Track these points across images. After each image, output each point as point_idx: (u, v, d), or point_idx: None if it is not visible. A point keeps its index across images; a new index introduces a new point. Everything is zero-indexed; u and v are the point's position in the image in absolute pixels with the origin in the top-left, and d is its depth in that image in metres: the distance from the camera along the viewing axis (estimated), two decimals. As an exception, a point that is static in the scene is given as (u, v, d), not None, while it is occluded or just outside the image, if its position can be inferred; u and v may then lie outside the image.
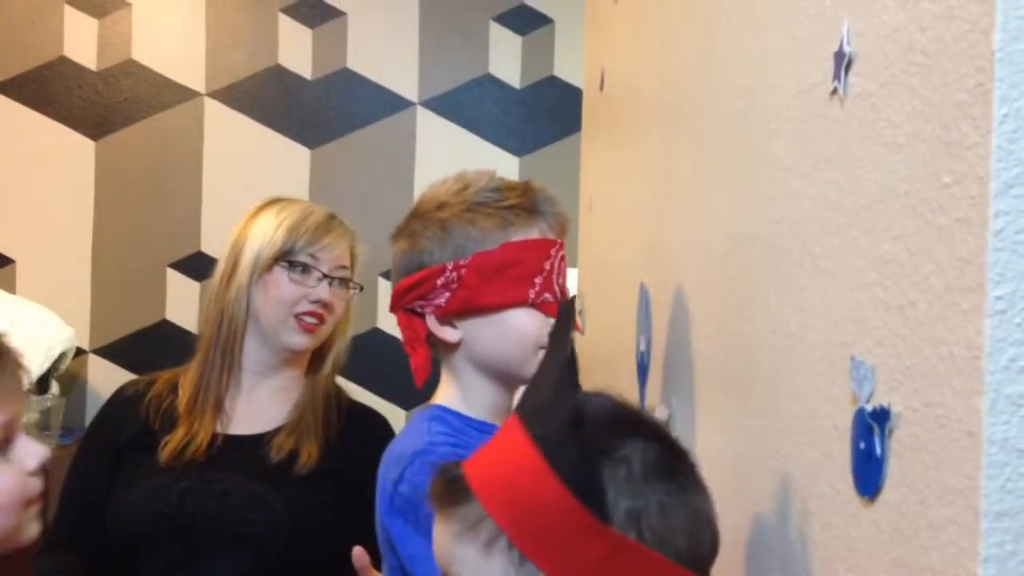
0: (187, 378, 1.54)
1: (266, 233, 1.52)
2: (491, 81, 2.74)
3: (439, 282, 1.11)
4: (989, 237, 0.47)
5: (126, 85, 2.76)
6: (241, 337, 1.52)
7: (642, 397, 1.30)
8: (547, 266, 1.13)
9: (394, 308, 1.17)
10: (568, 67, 2.71)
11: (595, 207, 2.04)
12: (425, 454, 1.06)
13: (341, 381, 1.66)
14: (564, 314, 0.81)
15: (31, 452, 0.97)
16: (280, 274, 1.50)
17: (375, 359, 2.69)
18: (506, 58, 2.74)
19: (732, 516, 0.87)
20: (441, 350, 1.16)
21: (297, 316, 1.50)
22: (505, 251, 1.11)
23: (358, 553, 1.25)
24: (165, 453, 1.45)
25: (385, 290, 2.59)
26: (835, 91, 0.67)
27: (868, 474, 0.57)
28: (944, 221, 0.51)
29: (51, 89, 2.74)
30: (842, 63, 0.66)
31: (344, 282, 1.56)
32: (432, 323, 1.13)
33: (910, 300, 0.54)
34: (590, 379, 1.74)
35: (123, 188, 2.80)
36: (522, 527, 0.67)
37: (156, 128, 2.78)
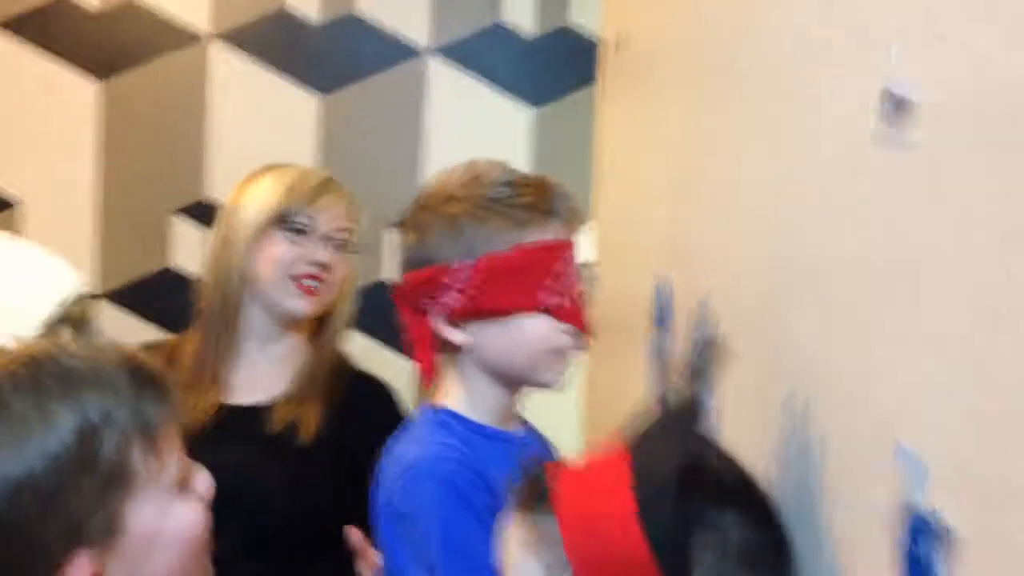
0: (186, 348, 1.52)
1: (262, 197, 1.51)
2: (503, 29, 2.66)
3: (446, 280, 1.08)
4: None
5: (128, 26, 2.68)
6: (240, 303, 1.51)
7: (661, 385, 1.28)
8: (559, 269, 1.10)
9: (399, 302, 1.14)
10: (584, 15, 2.63)
11: (614, 169, 1.98)
12: (424, 474, 1.03)
13: (348, 345, 1.64)
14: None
15: (203, 482, 0.91)
16: (278, 236, 1.49)
17: (380, 310, 2.66)
18: (520, 5, 2.65)
19: None
20: (447, 351, 1.13)
21: (295, 279, 1.48)
22: (517, 253, 1.08)
23: (352, 533, 1.24)
24: None
25: (391, 242, 2.55)
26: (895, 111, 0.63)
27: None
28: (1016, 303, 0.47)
29: (53, 29, 2.66)
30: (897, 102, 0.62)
31: (344, 245, 1.53)
32: (439, 324, 1.10)
33: (975, 395, 0.51)
34: (601, 343, 1.72)
35: (128, 131, 2.74)
36: (591, 568, 0.65)
37: (160, 70, 2.71)
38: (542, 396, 1.18)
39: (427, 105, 2.68)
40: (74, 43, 2.69)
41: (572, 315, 1.11)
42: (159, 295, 2.75)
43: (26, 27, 2.67)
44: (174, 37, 2.68)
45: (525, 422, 1.27)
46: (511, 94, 2.66)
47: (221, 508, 1.51)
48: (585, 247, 2.60)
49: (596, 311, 2.11)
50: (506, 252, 1.07)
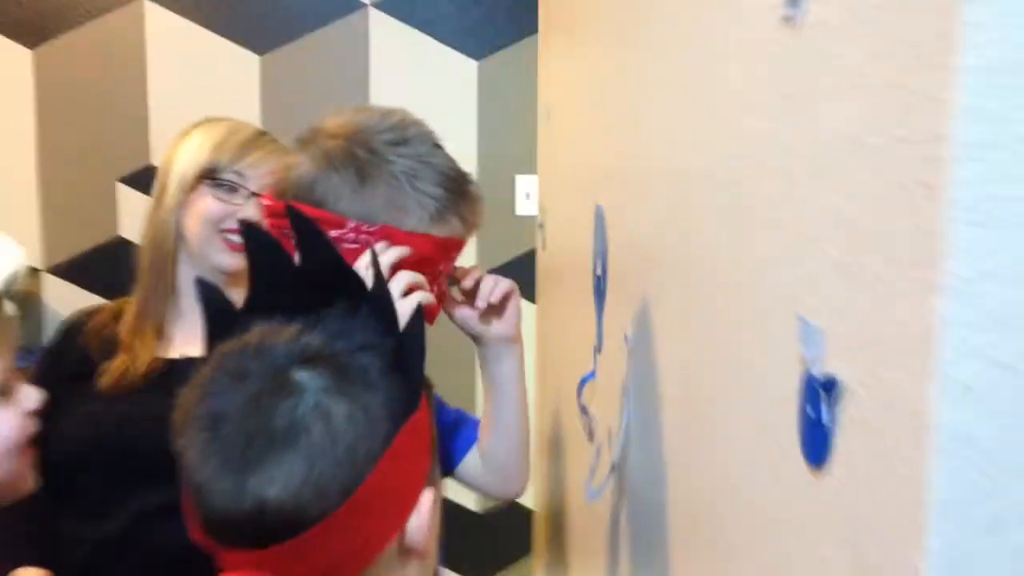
0: (129, 308, 1.51)
1: (191, 152, 1.49)
2: (446, -20, 2.62)
3: (332, 235, 1.01)
4: (949, 206, 0.42)
5: (59, -11, 2.60)
6: (173, 260, 1.49)
7: (599, 323, 1.27)
8: (442, 268, 1.08)
9: (269, 218, 1.07)
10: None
11: (554, 116, 1.97)
12: None
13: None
14: None
15: (29, 396, 1.03)
16: (205, 192, 1.47)
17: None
18: (461, -45, 2.61)
19: (685, 468, 0.85)
20: None
21: (224, 235, 1.46)
22: (415, 241, 1.03)
23: None
24: (104, 379, 1.42)
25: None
26: (791, 18, 0.62)
27: (815, 443, 0.54)
28: (902, 181, 0.47)
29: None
30: (798, -11, 0.60)
31: None
32: None
33: (861, 264, 0.50)
34: (549, 295, 1.71)
35: (65, 99, 2.68)
36: None
37: (95, 34, 2.64)
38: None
39: (372, 60, 2.64)
40: (5, 8, 2.62)
41: (429, 315, 1.05)
42: (109, 266, 2.70)
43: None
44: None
45: None
46: (455, 45, 2.63)
47: (157, 463, 1.50)
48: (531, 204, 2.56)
49: (546, 263, 2.09)
50: (405, 234, 1.02)
